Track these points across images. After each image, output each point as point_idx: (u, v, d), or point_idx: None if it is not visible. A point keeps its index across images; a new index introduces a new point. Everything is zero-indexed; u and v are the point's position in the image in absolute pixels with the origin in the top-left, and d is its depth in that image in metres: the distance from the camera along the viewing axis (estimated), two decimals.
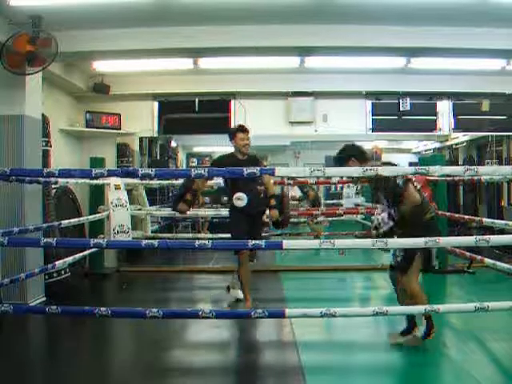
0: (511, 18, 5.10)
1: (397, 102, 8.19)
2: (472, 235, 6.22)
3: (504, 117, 8.47)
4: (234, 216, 5.15)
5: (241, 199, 4.90)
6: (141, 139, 8.72)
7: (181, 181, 7.96)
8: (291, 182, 7.67)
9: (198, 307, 5.24)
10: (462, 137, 9.86)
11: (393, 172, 3.48)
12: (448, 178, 6.55)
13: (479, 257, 5.60)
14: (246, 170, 3.42)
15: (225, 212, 8.96)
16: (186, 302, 5.73)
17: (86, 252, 5.88)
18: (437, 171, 3.66)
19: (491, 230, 7.22)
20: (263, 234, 6.01)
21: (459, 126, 8.60)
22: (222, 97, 8.23)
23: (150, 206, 8.01)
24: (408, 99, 8.14)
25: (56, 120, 6.69)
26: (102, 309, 3.47)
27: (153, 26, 5.36)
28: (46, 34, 4.80)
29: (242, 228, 4.92)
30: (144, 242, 3.64)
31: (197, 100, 8.11)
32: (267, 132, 8.40)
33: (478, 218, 6.09)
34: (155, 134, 8.49)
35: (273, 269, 7.14)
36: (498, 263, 5.07)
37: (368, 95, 8.25)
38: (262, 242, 3.53)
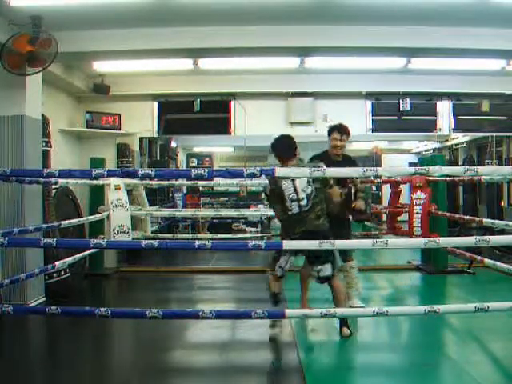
0: (511, 18, 5.10)
1: (397, 102, 8.19)
2: (472, 235, 6.24)
3: (504, 117, 8.47)
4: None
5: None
6: (141, 139, 8.72)
7: (181, 181, 8.02)
8: None
9: (197, 307, 5.24)
10: (462, 137, 9.87)
11: (393, 173, 3.47)
12: (448, 179, 6.55)
13: (479, 257, 5.60)
14: (247, 171, 3.43)
15: (224, 212, 9.02)
16: (185, 302, 5.73)
17: (86, 252, 5.88)
18: (437, 171, 3.67)
19: (491, 231, 7.23)
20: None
21: (459, 127, 8.60)
22: (222, 97, 8.23)
23: (150, 206, 8.01)
24: (408, 99, 8.15)
25: (56, 120, 6.69)
26: (102, 309, 3.48)
27: (153, 26, 5.36)
28: (46, 34, 4.80)
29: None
30: (144, 242, 3.64)
31: (197, 100, 8.10)
32: (267, 132, 8.33)
33: (478, 219, 6.09)
34: (155, 135, 8.50)
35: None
36: (498, 264, 5.08)
37: (368, 95, 8.25)
38: (262, 243, 3.54)
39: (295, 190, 3.96)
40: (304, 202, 3.94)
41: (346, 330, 4.11)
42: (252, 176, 3.52)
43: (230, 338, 4.35)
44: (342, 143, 4.78)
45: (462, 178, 6.42)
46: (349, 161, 4.80)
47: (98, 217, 6.40)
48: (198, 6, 4.88)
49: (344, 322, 4.14)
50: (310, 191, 3.94)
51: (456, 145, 10.74)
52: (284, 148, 4.17)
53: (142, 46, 5.57)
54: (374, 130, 8.37)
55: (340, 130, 4.80)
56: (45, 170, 4.48)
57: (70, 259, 5.19)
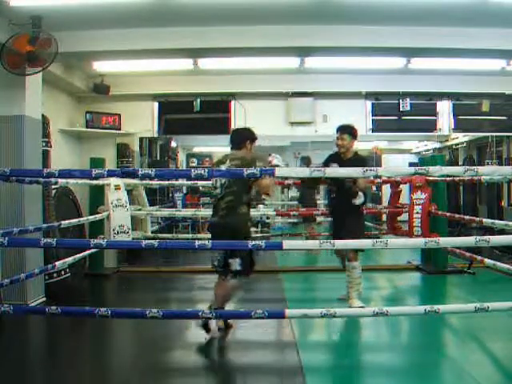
0: (511, 18, 5.10)
1: (397, 102, 8.19)
2: (472, 235, 6.23)
3: (504, 117, 8.47)
4: (360, 216, 5.04)
5: (360, 197, 4.87)
6: (141, 139, 8.72)
7: (181, 181, 8.03)
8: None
9: (197, 307, 5.23)
10: (462, 137, 9.86)
11: (393, 173, 3.48)
12: (448, 179, 6.55)
13: (479, 257, 5.60)
14: (246, 171, 3.43)
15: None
16: (185, 302, 5.73)
17: (86, 252, 5.88)
18: (437, 171, 3.67)
19: (491, 231, 7.23)
20: None
21: (459, 127, 8.61)
22: (222, 97, 8.23)
23: (150, 206, 8.01)
24: (408, 99, 8.14)
25: (56, 120, 6.68)
26: (102, 309, 3.47)
27: (153, 26, 5.36)
28: (46, 34, 4.80)
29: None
30: (144, 242, 3.64)
31: (197, 100, 8.10)
32: (267, 132, 8.37)
33: (478, 219, 6.09)
34: (155, 135, 8.50)
35: (273, 269, 7.13)
36: (498, 264, 5.08)
37: (368, 95, 8.25)
38: (262, 243, 3.54)
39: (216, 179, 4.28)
40: (218, 191, 4.20)
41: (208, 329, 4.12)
42: (252, 176, 3.52)
43: (230, 338, 4.34)
44: (341, 142, 4.91)
45: (462, 178, 6.41)
46: (355, 160, 4.85)
47: (98, 217, 6.40)
48: (198, 5, 4.88)
49: (204, 323, 4.10)
50: (224, 181, 4.15)
51: (456, 145, 10.73)
52: (231, 139, 4.48)
53: (142, 46, 5.57)
54: (374, 130, 8.37)
55: (339, 129, 4.96)
56: (45, 169, 4.47)
57: (69, 259, 5.19)
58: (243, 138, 4.42)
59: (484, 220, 5.59)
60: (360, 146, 13.48)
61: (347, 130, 4.95)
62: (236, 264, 4.06)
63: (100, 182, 6.40)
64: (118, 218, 6.44)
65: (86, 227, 6.89)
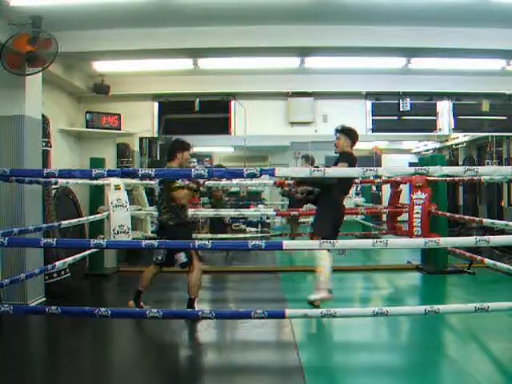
0: (511, 18, 5.10)
1: (397, 102, 8.19)
2: (472, 235, 6.23)
3: (504, 117, 8.47)
4: (323, 210, 5.08)
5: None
6: (141, 139, 8.72)
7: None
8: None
9: (197, 307, 5.23)
10: (462, 137, 9.87)
11: (393, 173, 3.48)
12: (448, 179, 6.55)
13: (479, 257, 5.60)
14: (247, 171, 3.43)
15: (224, 212, 9.02)
16: (185, 302, 5.72)
17: (86, 252, 5.88)
18: (437, 171, 3.67)
19: (491, 231, 7.23)
20: None
21: (459, 126, 8.61)
22: (222, 97, 8.23)
23: (150, 206, 8.00)
24: (408, 99, 8.14)
25: (56, 120, 6.69)
26: (102, 309, 3.47)
27: (153, 26, 5.36)
28: (46, 34, 4.80)
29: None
30: (144, 242, 3.64)
31: (197, 100, 8.11)
32: (267, 132, 8.43)
33: (478, 219, 6.09)
34: (155, 135, 8.50)
35: (273, 269, 7.14)
36: (498, 264, 5.08)
37: (368, 95, 8.25)
38: (262, 243, 3.54)
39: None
40: (157, 199, 4.83)
41: (130, 303, 4.68)
42: (252, 176, 3.51)
43: (230, 338, 4.35)
44: (337, 141, 5.14)
45: (462, 178, 6.41)
46: (339, 156, 5.06)
47: (97, 217, 6.40)
48: (198, 5, 4.88)
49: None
50: (158, 191, 4.76)
51: (456, 145, 10.74)
52: (166, 152, 5.04)
53: (142, 46, 5.57)
54: (374, 130, 8.37)
55: (335, 130, 5.19)
56: (45, 169, 4.47)
57: (69, 259, 5.19)
58: (173, 149, 4.84)
59: (484, 220, 5.59)
60: (360, 146, 13.55)
61: (340, 130, 5.13)
62: (182, 257, 4.61)
63: (100, 182, 6.39)
64: (117, 218, 6.43)
65: (86, 227, 6.89)
